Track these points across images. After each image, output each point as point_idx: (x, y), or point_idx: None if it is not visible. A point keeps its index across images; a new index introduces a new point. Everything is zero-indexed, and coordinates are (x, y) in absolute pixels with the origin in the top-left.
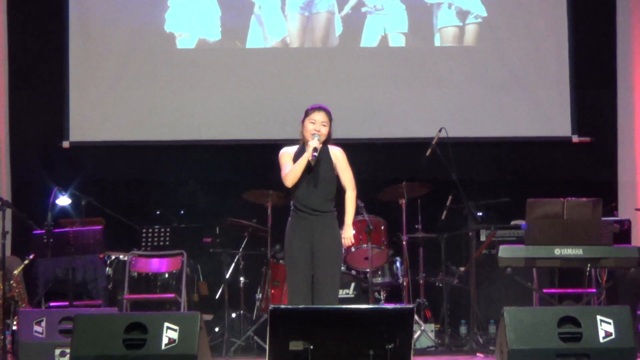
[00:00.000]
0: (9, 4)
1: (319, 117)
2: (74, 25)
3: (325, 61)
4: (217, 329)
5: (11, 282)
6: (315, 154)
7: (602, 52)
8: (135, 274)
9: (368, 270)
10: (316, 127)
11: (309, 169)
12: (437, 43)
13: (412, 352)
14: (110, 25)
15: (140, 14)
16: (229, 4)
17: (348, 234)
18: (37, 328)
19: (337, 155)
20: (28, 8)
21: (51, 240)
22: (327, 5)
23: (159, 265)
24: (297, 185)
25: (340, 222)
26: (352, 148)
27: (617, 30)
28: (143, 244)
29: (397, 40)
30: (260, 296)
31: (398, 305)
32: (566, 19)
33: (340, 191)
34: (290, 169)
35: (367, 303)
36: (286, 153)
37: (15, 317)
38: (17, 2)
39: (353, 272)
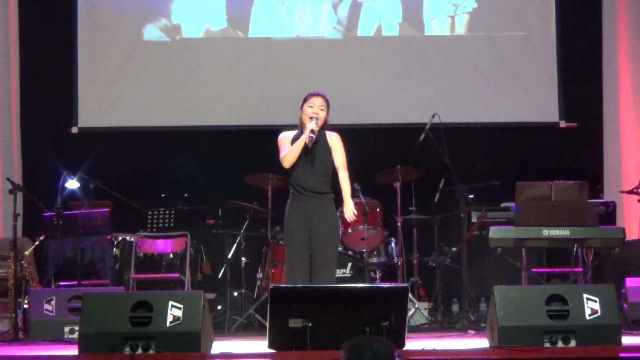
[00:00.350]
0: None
1: (317, 101)
2: (82, 15)
3: (322, 50)
4: (219, 307)
5: (22, 262)
6: (312, 135)
7: (588, 41)
8: (141, 254)
9: (364, 250)
10: (314, 111)
11: (306, 151)
12: (429, 32)
13: (406, 329)
14: (117, 14)
15: (147, 3)
16: None
17: (350, 206)
18: (47, 306)
19: (334, 138)
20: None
21: (61, 222)
22: None
23: (164, 246)
24: (294, 167)
25: (337, 204)
26: (349, 133)
27: (603, 19)
28: (149, 225)
29: (392, 29)
30: (260, 275)
31: (393, 284)
32: (554, 9)
33: (335, 175)
34: (288, 150)
35: (363, 282)
36: (284, 137)
37: (26, 296)
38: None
39: (350, 252)
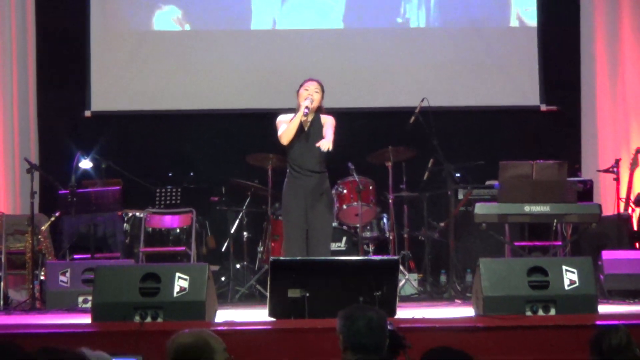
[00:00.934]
0: None
1: (311, 86)
2: (95, 4)
3: (319, 40)
4: (223, 279)
5: (39, 237)
6: (307, 110)
7: (567, 30)
8: (150, 229)
9: (358, 225)
10: (309, 92)
11: (302, 132)
12: (419, 24)
13: (397, 298)
14: (128, 4)
15: None
16: None
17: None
18: (62, 278)
19: (327, 118)
20: None
21: (75, 199)
22: None
23: (171, 221)
24: (292, 147)
25: (332, 183)
26: (344, 116)
27: (581, 9)
28: (157, 202)
29: (384, 22)
30: (261, 249)
31: (385, 257)
32: (535, 1)
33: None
34: (286, 128)
35: (357, 255)
36: (282, 118)
37: (43, 269)
38: None
39: (344, 227)
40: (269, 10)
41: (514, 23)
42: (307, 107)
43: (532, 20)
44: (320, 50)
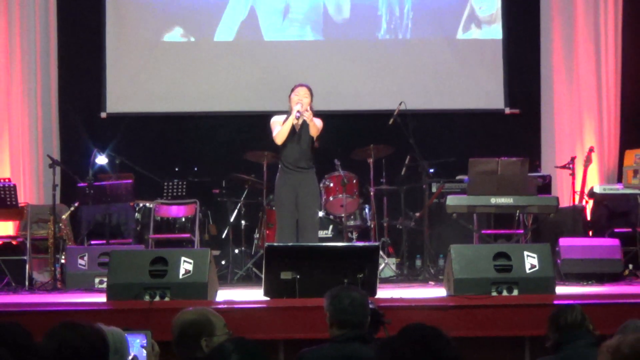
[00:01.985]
0: (58, 2)
1: (301, 91)
2: (110, 14)
3: (309, 50)
4: (223, 262)
5: (60, 224)
6: (298, 114)
7: (529, 41)
8: (159, 218)
9: (343, 215)
10: (299, 98)
11: (293, 132)
12: (398, 35)
13: (377, 280)
14: (140, 14)
15: (168, 6)
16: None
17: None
18: (80, 261)
19: (315, 121)
20: (73, 1)
21: (92, 191)
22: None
23: (177, 211)
24: (284, 146)
25: (320, 177)
26: (331, 118)
27: (541, 24)
28: (165, 194)
29: (366, 34)
30: (257, 236)
31: (366, 243)
32: (500, 15)
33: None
34: (280, 130)
35: (342, 241)
36: (276, 120)
37: (64, 253)
38: None
39: (331, 216)
40: (267, 25)
41: (481, 36)
42: (298, 112)
43: (497, 33)
44: (310, 59)
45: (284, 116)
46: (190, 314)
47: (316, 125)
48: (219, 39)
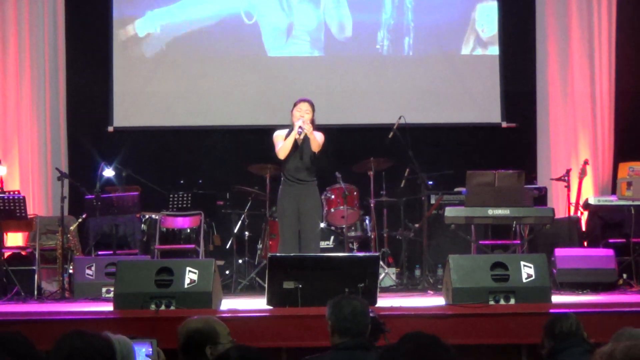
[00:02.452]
0: (67, 17)
1: (303, 106)
2: (117, 36)
3: (312, 65)
4: (227, 272)
5: (68, 235)
6: (300, 130)
7: (525, 59)
8: (164, 229)
9: (344, 226)
10: (301, 114)
11: (295, 146)
12: (398, 52)
13: (378, 289)
14: (144, 34)
15: (171, 25)
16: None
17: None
18: (88, 271)
19: (317, 136)
20: (81, 19)
21: (99, 203)
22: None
23: (182, 222)
24: (286, 159)
25: (321, 189)
26: (333, 132)
27: (537, 41)
28: (170, 206)
29: (367, 50)
30: (260, 246)
31: (367, 254)
32: (497, 32)
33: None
34: (282, 145)
35: (343, 252)
36: (278, 134)
37: (72, 263)
38: (73, 15)
39: (332, 227)
40: (270, 41)
41: (479, 52)
42: (300, 127)
43: (494, 49)
44: (312, 74)
45: (287, 130)
46: (195, 323)
47: (316, 140)
48: (224, 55)
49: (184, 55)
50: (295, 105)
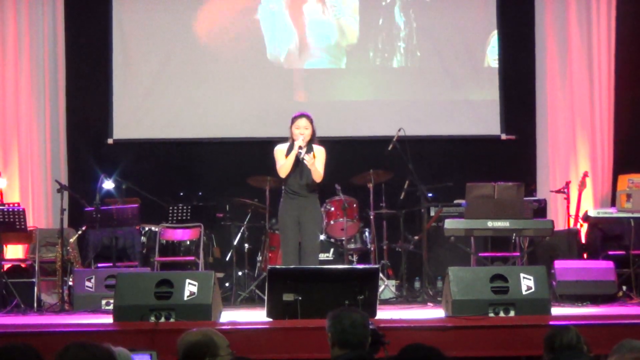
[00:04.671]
0: (66, 31)
1: (301, 122)
2: (117, 43)
3: (311, 78)
4: (227, 284)
5: (68, 248)
6: (301, 150)
7: (524, 71)
8: (164, 241)
9: (344, 238)
10: (300, 131)
11: (296, 162)
12: (397, 64)
13: (377, 301)
14: (145, 44)
15: (173, 32)
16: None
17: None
18: (88, 283)
19: (318, 152)
20: (81, 32)
21: (99, 215)
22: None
23: (182, 234)
24: (290, 175)
25: (321, 202)
26: (333, 144)
27: (536, 54)
28: (170, 218)
29: (367, 62)
30: (260, 258)
31: (366, 266)
32: (497, 44)
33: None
34: (283, 164)
35: (343, 264)
36: (279, 149)
37: (71, 275)
38: (72, 28)
39: (332, 240)
40: (269, 53)
41: (478, 64)
42: (300, 147)
43: (494, 62)
44: (311, 86)
45: (287, 145)
46: (194, 335)
47: (318, 171)
48: (222, 68)
49: (182, 70)
50: (293, 121)
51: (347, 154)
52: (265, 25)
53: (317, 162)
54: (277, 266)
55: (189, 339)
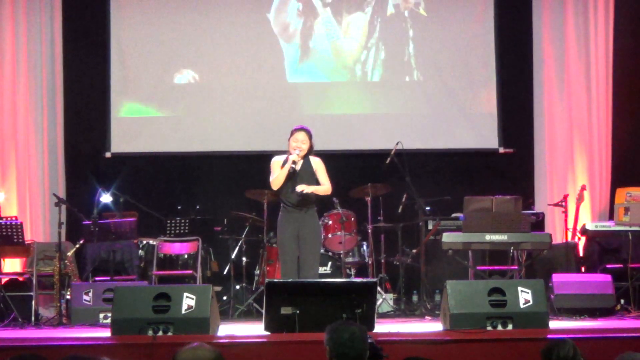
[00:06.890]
0: (64, 48)
1: (300, 136)
2: (115, 57)
3: (309, 92)
4: (224, 298)
5: (66, 261)
6: (293, 165)
7: (522, 84)
8: (162, 255)
9: (341, 252)
10: (297, 145)
11: (292, 175)
12: (395, 78)
13: (375, 315)
14: (143, 60)
15: (171, 49)
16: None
17: (308, 188)
18: (85, 297)
19: (317, 163)
20: (79, 46)
21: (96, 229)
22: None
23: (180, 248)
24: (284, 186)
25: (320, 214)
26: (331, 157)
27: (534, 68)
28: (167, 231)
29: (364, 76)
30: (258, 272)
31: (364, 279)
32: (494, 58)
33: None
34: (275, 177)
35: (341, 277)
36: (275, 161)
37: (69, 289)
38: (71, 43)
39: (330, 253)
40: (266, 68)
41: (476, 78)
42: (294, 162)
43: (492, 76)
44: (310, 100)
45: (284, 156)
46: (190, 352)
47: (321, 191)
48: (221, 82)
49: (181, 82)
50: (292, 134)
51: (345, 167)
52: (262, 42)
53: (319, 175)
54: (275, 280)
55: (185, 357)
